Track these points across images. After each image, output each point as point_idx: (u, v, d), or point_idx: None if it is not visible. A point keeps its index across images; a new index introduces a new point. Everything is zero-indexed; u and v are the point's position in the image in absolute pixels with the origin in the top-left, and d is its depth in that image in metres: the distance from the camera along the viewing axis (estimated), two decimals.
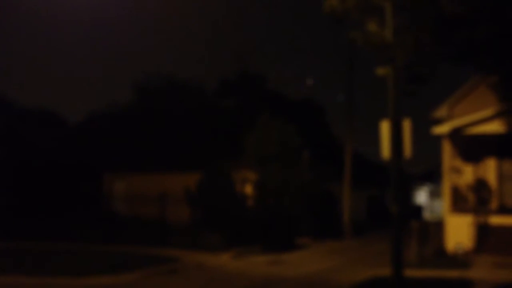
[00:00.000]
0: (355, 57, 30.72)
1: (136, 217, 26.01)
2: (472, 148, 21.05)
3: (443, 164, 21.01)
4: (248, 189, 24.81)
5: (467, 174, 21.13)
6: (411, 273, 13.12)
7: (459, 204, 20.70)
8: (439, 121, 21.63)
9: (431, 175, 57.84)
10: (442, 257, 18.54)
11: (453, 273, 14.61)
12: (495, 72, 15.63)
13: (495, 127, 19.48)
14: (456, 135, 20.61)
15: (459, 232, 19.60)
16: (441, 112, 22.02)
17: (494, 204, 20.74)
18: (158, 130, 32.85)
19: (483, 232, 19.35)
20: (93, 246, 21.84)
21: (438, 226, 20.95)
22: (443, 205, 21.85)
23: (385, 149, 11.12)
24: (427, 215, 53.61)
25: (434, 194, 59.21)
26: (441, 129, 20.51)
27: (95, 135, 33.53)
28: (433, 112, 22.18)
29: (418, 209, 51.95)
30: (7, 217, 25.19)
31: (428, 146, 64.03)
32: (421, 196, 61.46)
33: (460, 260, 17.58)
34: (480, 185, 20.92)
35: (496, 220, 19.53)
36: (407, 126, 10.95)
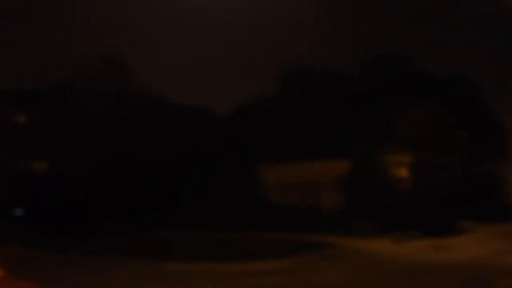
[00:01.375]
0: None
1: (287, 204, 26.25)
2: None
3: None
4: (401, 173, 23.86)
5: None
6: None
7: None
8: None
9: None
10: None
11: None
12: None
13: None
14: None
15: None
16: None
17: None
18: (304, 118, 32.88)
19: None
20: (248, 233, 22.28)
21: None
22: None
23: None
24: None
25: None
26: None
27: (244, 127, 34.44)
28: None
29: None
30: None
31: None
32: None
33: None
34: None
35: None
36: None
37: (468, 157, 24.85)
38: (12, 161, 24.31)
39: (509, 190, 28.21)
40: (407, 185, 23.36)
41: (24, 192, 23.64)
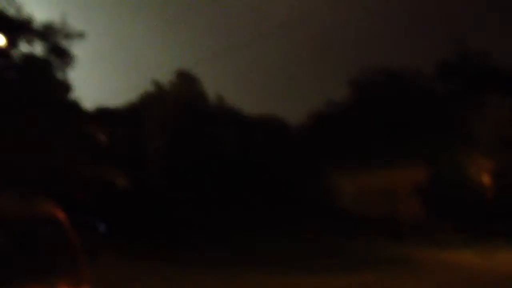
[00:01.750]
0: None
1: (363, 213, 25.67)
2: None
3: None
4: (485, 179, 22.72)
5: None
6: None
7: None
8: None
9: None
10: None
11: None
12: None
13: None
14: None
15: None
16: None
17: None
18: (378, 124, 32.11)
19: None
20: (325, 240, 21.90)
21: None
22: None
23: None
24: None
25: None
26: None
27: (317, 135, 34.14)
28: None
29: None
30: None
31: None
32: None
33: None
34: None
35: None
36: None
37: None
38: (95, 177, 25.26)
39: None
40: (491, 192, 22.21)
41: (109, 207, 24.45)
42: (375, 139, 31.29)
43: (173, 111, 28.76)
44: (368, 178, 29.67)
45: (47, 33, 25.02)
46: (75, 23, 27.95)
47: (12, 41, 23.81)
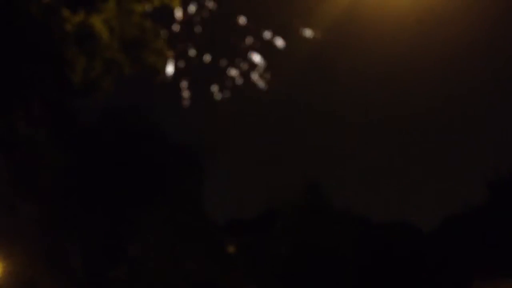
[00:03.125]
0: None
1: None
2: None
3: None
4: None
5: None
6: None
7: None
8: None
9: None
10: None
11: None
12: None
13: None
14: None
15: None
16: None
17: None
18: None
19: None
20: None
21: None
22: None
23: None
24: None
25: None
26: None
27: (454, 240, 32.43)
28: None
29: None
30: None
31: None
32: None
33: None
34: None
35: None
36: None
37: None
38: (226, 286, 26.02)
39: None
40: None
41: None
42: None
43: (300, 220, 29.30)
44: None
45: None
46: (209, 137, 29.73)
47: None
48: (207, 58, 11.12)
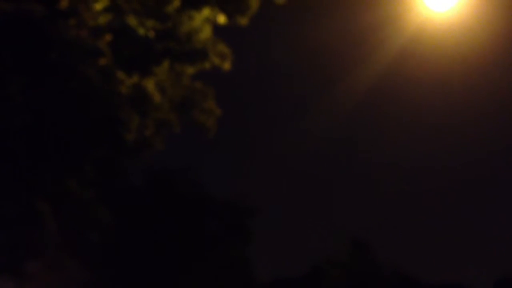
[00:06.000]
0: None
1: None
2: None
3: None
4: None
5: None
6: None
7: None
8: None
9: None
10: None
11: None
12: None
13: None
14: None
15: None
16: None
17: None
18: None
19: None
20: None
21: None
22: None
23: None
24: None
25: None
26: None
27: None
28: None
29: None
30: None
31: None
32: None
33: None
34: None
35: None
36: None
37: None
38: None
39: None
40: None
41: None
42: None
43: (345, 282, 28.61)
44: None
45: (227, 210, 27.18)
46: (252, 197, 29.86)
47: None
48: None
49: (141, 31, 10.54)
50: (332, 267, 30.71)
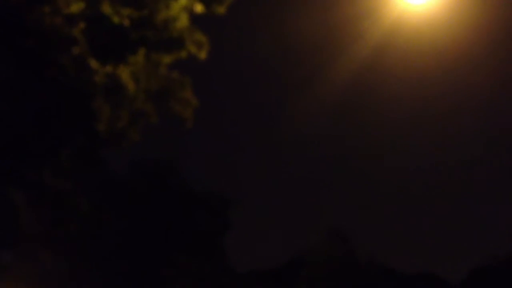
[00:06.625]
0: None
1: None
2: None
3: None
4: None
5: None
6: None
7: None
8: None
9: None
10: None
11: None
12: None
13: None
14: None
15: None
16: None
17: None
18: None
19: None
20: None
21: None
22: None
23: None
24: None
25: None
26: None
27: None
28: None
29: None
30: None
31: None
32: None
33: None
34: None
35: None
36: None
37: None
38: None
39: None
40: None
41: None
42: None
43: (323, 271, 28.83)
44: None
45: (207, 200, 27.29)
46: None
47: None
48: None
49: (116, 20, 10.37)
50: (310, 257, 30.98)
